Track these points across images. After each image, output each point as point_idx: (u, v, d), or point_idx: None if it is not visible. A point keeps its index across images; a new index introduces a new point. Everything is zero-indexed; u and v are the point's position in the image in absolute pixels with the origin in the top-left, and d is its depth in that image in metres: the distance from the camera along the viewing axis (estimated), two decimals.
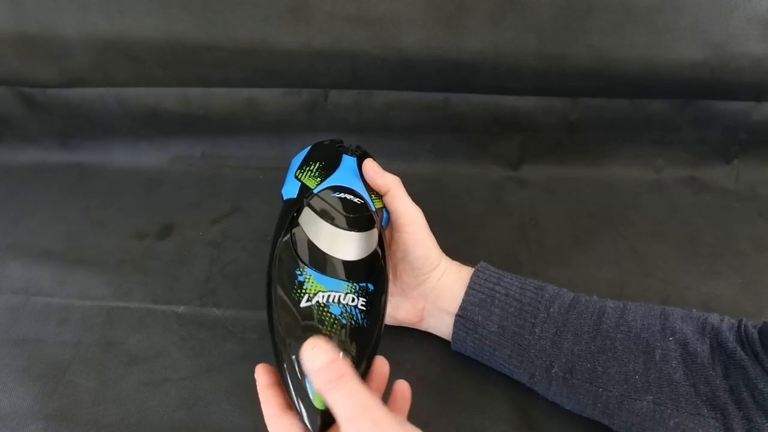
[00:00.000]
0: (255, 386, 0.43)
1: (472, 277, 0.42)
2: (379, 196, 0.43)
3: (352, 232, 0.37)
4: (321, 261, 0.36)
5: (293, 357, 0.32)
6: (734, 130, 0.62)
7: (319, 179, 0.40)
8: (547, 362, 0.38)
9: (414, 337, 0.45)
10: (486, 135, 0.63)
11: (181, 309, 0.49)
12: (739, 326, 0.36)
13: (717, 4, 0.52)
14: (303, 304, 0.34)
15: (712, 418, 0.34)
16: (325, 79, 0.59)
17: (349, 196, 0.39)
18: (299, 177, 0.42)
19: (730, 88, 0.58)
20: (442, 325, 0.43)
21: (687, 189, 0.63)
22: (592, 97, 0.60)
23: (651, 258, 0.54)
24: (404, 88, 0.59)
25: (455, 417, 0.41)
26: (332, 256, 0.36)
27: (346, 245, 0.37)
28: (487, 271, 0.42)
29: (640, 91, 0.59)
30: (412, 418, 0.40)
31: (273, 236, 0.38)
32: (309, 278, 0.35)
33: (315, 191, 0.39)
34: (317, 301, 0.34)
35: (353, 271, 0.36)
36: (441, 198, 0.61)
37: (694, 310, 0.38)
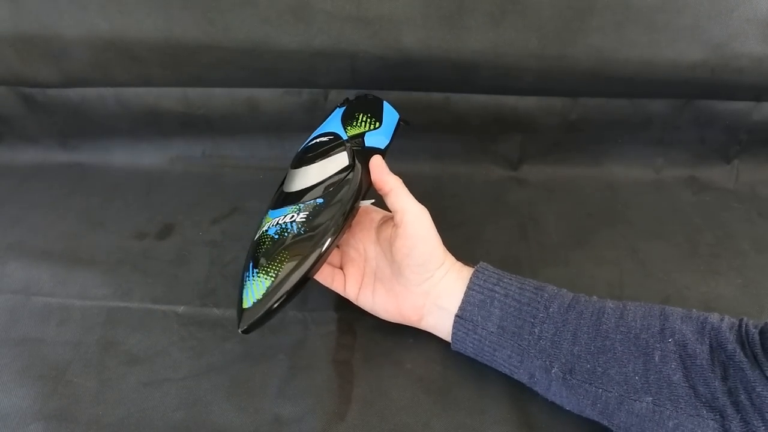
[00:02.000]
0: (255, 386, 0.43)
1: (471, 278, 0.42)
2: (366, 122, 0.47)
3: (305, 166, 0.43)
4: (277, 199, 0.44)
5: (245, 274, 0.40)
6: (734, 130, 0.62)
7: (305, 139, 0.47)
8: (547, 362, 0.38)
9: (414, 336, 0.45)
10: (486, 135, 0.63)
11: (181, 309, 0.49)
12: (739, 326, 0.36)
13: (717, 4, 0.52)
14: (255, 237, 0.42)
15: (711, 419, 0.34)
16: (325, 79, 0.59)
17: (319, 140, 0.45)
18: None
19: (730, 88, 0.58)
20: (441, 324, 0.43)
21: (687, 189, 0.63)
22: (592, 97, 0.60)
23: (651, 258, 0.54)
24: (404, 88, 0.59)
25: (455, 417, 0.41)
26: (285, 191, 0.43)
27: (299, 179, 0.43)
28: (486, 272, 0.42)
29: (640, 91, 0.59)
30: (413, 417, 0.41)
31: None
32: (266, 218, 0.43)
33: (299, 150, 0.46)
34: (262, 231, 0.41)
35: (299, 195, 0.42)
36: (441, 198, 0.61)
37: (694, 310, 0.38)
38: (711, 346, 0.35)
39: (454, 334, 0.42)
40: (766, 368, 0.33)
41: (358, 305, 0.46)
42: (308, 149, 0.45)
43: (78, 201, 0.61)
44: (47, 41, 0.56)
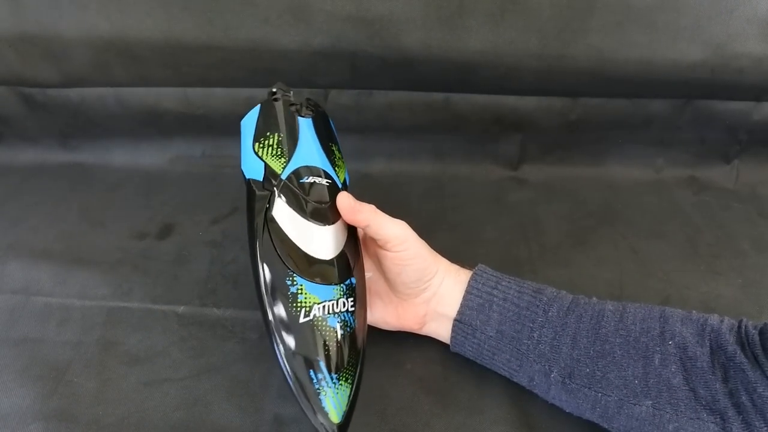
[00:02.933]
0: (255, 386, 0.43)
1: (470, 281, 0.41)
2: (341, 159, 0.42)
3: (331, 226, 0.38)
4: (308, 266, 0.36)
5: (299, 371, 0.34)
6: (734, 130, 0.62)
7: (282, 160, 0.39)
8: (546, 367, 0.38)
9: (414, 337, 0.45)
10: (486, 135, 0.63)
11: (181, 309, 0.49)
12: (739, 327, 0.36)
13: (717, 4, 0.52)
14: (302, 320, 0.35)
15: (712, 422, 0.33)
16: (325, 79, 0.59)
17: (317, 180, 0.39)
18: (260, 154, 0.39)
19: (730, 88, 0.58)
20: (442, 329, 0.43)
21: (687, 189, 0.63)
22: (592, 97, 0.60)
23: (651, 258, 0.54)
24: (404, 88, 0.59)
25: (455, 417, 0.41)
26: (317, 259, 0.37)
27: (328, 241, 0.37)
28: (485, 275, 0.42)
29: (640, 91, 0.59)
30: (413, 417, 0.41)
31: (248, 228, 0.38)
32: (301, 289, 0.35)
33: (283, 177, 0.38)
34: (315, 315, 0.35)
35: (339, 268, 0.37)
36: (441, 198, 0.61)
37: (694, 312, 0.38)
38: (711, 348, 0.35)
39: (453, 337, 0.42)
40: (766, 368, 0.33)
41: None
42: (316, 193, 0.38)
43: (78, 201, 0.61)
44: (47, 41, 0.56)
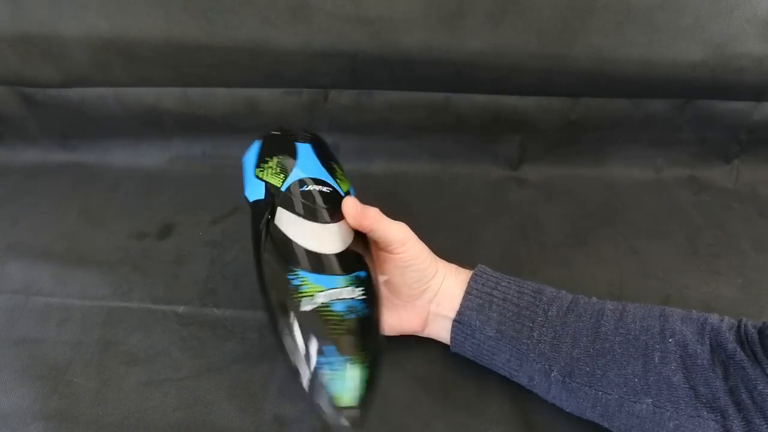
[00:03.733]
0: (255, 386, 0.43)
1: (469, 282, 0.41)
2: (344, 175, 0.43)
3: (333, 224, 0.38)
4: (312, 260, 0.36)
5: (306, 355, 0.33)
6: (734, 130, 0.62)
7: (282, 176, 0.40)
8: (546, 366, 0.38)
9: (414, 338, 0.45)
10: (486, 135, 0.63)
11: (181, 309, 0.49)
12: (739, 326, 0.36)
13: (717, 4, 0.52)
14: (304, 307, 0.34)
15: (712, 420, 0.33)
16: (325, 79, 0.59)
17: (317, 187, 0.39)
18: (261, 176, 0.40)
19: (730, 88, 0.58)
20: (443, 330, 0.43)
21: (687, 189, 0.63)
22: (592, 97, 0.60)
23: (651, 258, 0.54)
24: (404, 88, 0.59)
25: (455, 417, 0.41)
26: (321, 253, 0.36)
27: (331, 238, 0.37)
28: (484, 275, 0.42)
29: (640, 91, 0.59)
30: (413, 417, 0.41)
31: (253, 243, 0.38)
32: (304, 281, 0.35)
33: (283, 189, 0.39)
34: (319, 302, 0.34)
35: (344, 262, 0.36)
36: (441, 198, 0.61)
37: (693, 311, 0.38)
38: (711, 346, 0.35)
39: (453, 338, 0.42)
40: (766, 366, 0.33)
41: None
42: (317, 198, 0.39)
43: (78, 201, 0.61)
44: (47, 41, 0.56)
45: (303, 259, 0.36)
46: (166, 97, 0.61)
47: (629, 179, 0.64)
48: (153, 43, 0.55)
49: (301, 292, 0.34)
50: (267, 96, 0.60)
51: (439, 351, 0.45)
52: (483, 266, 0.43)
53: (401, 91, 0.59)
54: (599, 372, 0.36)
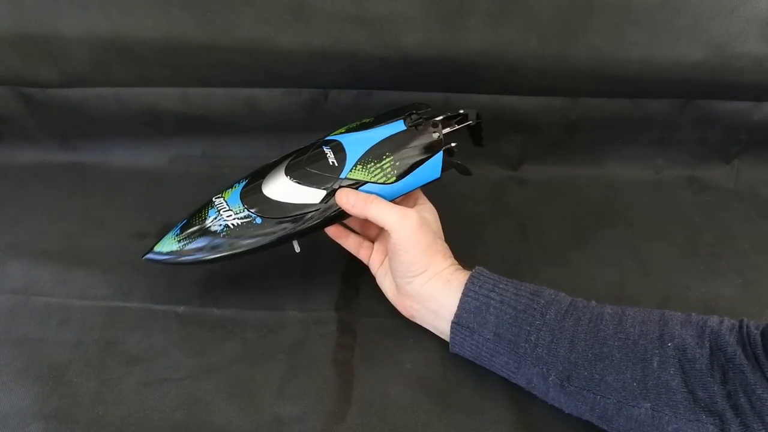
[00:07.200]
0: (255, 386, 0.43)
1: (467, 283, 0.41)
2: (380, 171, 0.44)
3: (286, 179, 0.44)
4: (252, 191, 0.45)
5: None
6: (734, 130, 0.62)
7: (343, 130, 0.47)
8: (544, 370, 0.38)
9: (414, 337, 0.45)
10: (486, 135, 0.63)
11: (181, 309, 0.49)
12: (740, 327, 0.35)
13: (717, 3, 0.52)
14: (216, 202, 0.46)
15: (710, 423, 0.33)
16: (325, 79, 0.59)
17: (329, 153, 0.45)
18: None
19: (730, 88, 0.58)
20: (439, 326, 0.44)
21: (687, 189, 0.63)
22: (592, 97, 0.60)
23: (651, 258, 0.54)
24: (404, 88, 0.59)
25: (455, 417, 0.41)
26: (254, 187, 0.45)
27: (272, 184, 0.44)
28: (482, 277, 0.42)
29: (640, 91, 0.59)
30: (412, 417, 0.41)
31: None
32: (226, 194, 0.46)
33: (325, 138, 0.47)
34: (216, 200, 0.46)
35: (249, 199, 0.44)
36: (441, 198, 0.61)
37: (693, 314, 0.38)
38: (711, 349, 0.35)
39: (452, 339, 0.42)
40: (767, 370, 0.33)
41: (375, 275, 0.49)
42: (312, 158, 0.46)
43: (78, 201, 0.61)
44: (47, 41, 0.56)
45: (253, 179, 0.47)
46: (166, 97, 0.60)
47: (629, 179, 0.64)
48: (153, 43, 0.55)
49: (225, 192, 0.46)
50: (267, 96, 0.60)
51: (438, 351, 0.45)
52: (480, 268, 0.43)
53: (401, 91, 0.59)
54: (597, 376, 0.36)
